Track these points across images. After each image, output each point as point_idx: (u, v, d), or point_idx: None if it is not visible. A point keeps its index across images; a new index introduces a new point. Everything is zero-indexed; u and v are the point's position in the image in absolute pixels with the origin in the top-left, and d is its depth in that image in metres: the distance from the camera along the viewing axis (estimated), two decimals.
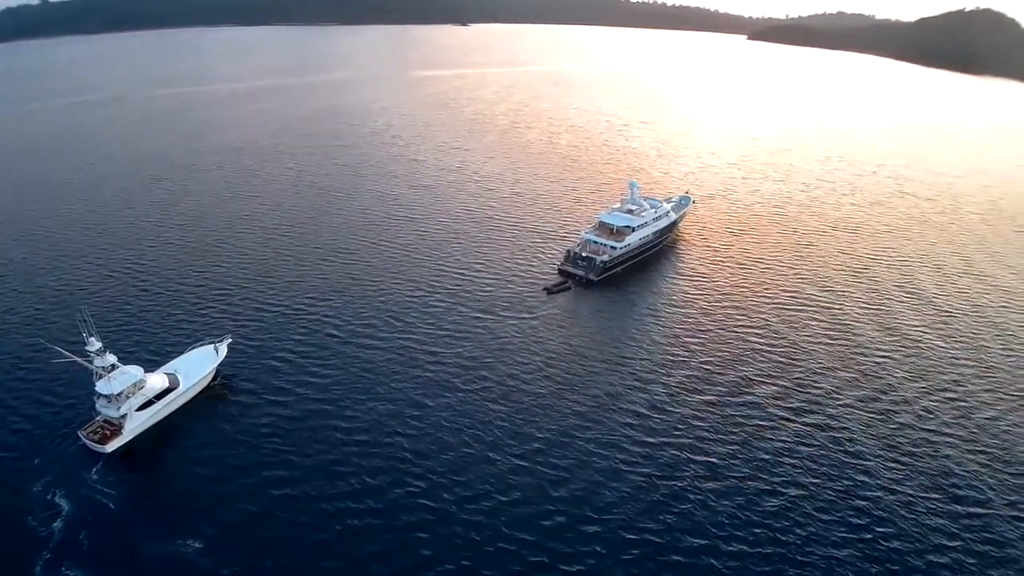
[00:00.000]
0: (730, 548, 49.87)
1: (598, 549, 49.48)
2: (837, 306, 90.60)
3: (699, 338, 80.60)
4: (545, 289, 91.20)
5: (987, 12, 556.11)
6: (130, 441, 60.08)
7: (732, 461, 59.23)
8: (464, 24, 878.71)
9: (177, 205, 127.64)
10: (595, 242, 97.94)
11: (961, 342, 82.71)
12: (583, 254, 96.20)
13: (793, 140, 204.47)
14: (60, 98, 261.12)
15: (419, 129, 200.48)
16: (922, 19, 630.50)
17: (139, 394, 60.53)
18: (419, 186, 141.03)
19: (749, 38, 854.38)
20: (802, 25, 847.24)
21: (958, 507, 54.92)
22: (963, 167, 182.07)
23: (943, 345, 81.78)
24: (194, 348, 69.97)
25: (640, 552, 49.40)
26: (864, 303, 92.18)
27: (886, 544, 50.86)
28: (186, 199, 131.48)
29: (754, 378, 72.34)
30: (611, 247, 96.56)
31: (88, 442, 58.62)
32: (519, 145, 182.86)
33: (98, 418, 60.62)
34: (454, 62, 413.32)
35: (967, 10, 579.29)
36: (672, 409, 66.19)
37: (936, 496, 56.02)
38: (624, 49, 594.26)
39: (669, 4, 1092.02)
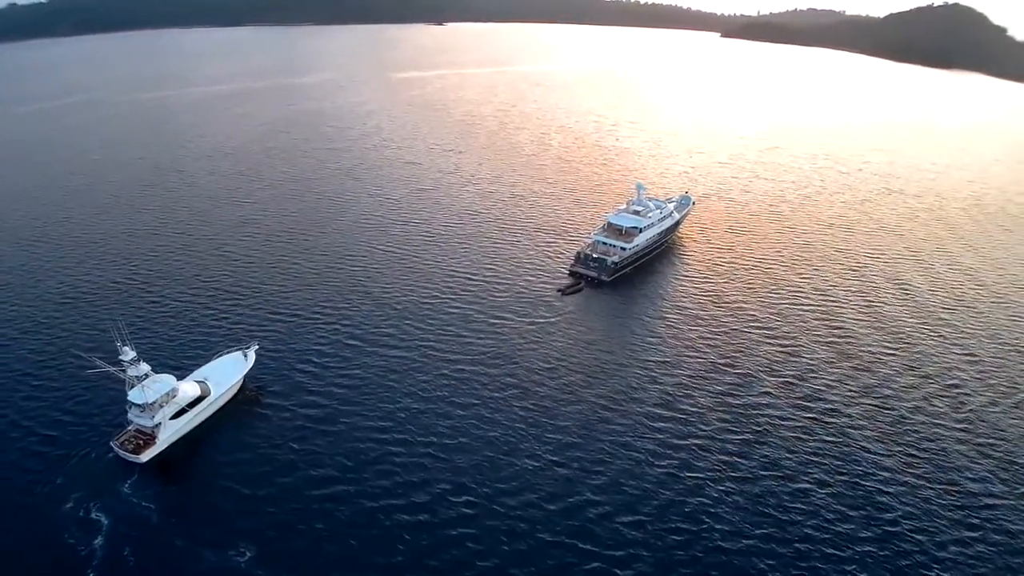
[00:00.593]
0: (749, 542, 51.66)
1: (628, 542, 51.13)
2: (839, 303, 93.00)
3: (709, 334, 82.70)
4: (559, 290, 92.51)
5: (955, 7, 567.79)
6: (164, 450, 59.76)
7: (747, 453, 61.46)
8: (440, 23, 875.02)
9: (173, 211, 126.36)
10: (605, 243, 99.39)
11: (951, 334, 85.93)
12: (594, 255, 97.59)
13: (778, 138, 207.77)
14: (40, 102, 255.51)
15: (410, 131, 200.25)
16: (891, 15, 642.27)
17: (172, 403, 60.28)
18: (419, 189, 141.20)
19: (722, 35, 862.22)
20: (775, 22, 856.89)
21: (958, 490, 57.77)
22: (944, 163, 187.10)
23: (934, 337, 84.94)
24: (222, 355, 69.70)
25: (665, 543, 51.12)
26: (862, 299, 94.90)
27: (894, 528, 53.32)
28: (182, 205, 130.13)
29: (763, 372, 74.78)
30: (621, 248, 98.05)
31: (121, 452, 58.22)
32: (511, 147, 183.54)
33: (130, 428, 60.23)
34: (434, 63, 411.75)
35: (935, 5, 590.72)
36: (690, 405, 68.09)
37: (937, 480, 58.82)
38: (600, 48, 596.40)
39: (642, 2, 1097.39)
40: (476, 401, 67.84)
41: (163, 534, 51.16)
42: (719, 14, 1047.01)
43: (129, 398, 59.00)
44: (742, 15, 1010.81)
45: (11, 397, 68.29)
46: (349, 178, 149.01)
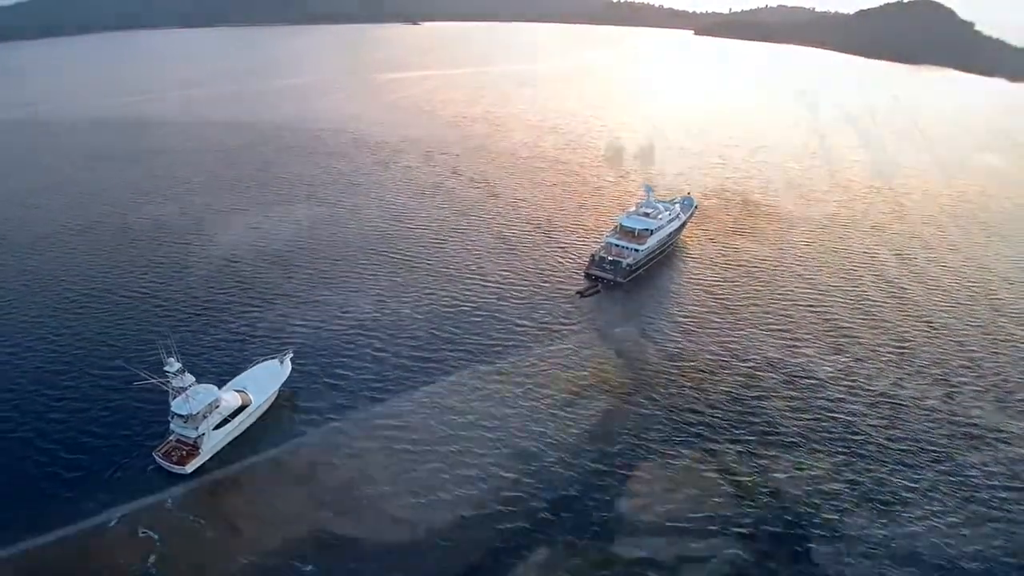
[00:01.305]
0: (768, 534, 53.74)
1: (658, 536, 53.34)
2: (841, 302, 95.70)
3: (722, 332, 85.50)
4: (578, 292, 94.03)
5: (924, 3, 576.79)
6: (207, 461, 59.67)
7: (764, 448, 63.95)
8: (415, 23, 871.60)
9: (175, 219, 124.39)
10: (618, 245, 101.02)
11: (944, 329, 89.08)
12: (608, 257, 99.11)
13: (766, 138, 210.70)
14: (23, 106, 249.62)
15: (403, 135, 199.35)
16: (861, 11, 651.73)
17: (215, 413, 60.20)
18: (420, 194, 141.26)
19: (696, 33, 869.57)
20: (746, 19, 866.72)
21: (972, 483, 60.29)
22: (928, 160, 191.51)
23: (927, 331, 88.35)
24: (257, 363, 69.69)
25: (692, 537, 53.23)
26: (861, 296, 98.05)
27: (915, 524, 55.30)
28: (182, 213, 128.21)
29: (775, 367, 77.50)
30: (634, 250, 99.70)
31: (165, 463, 57.93)
32: (507, 149, 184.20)
33: (171, 438, 59.94)
34: (415, 63, 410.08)
35: (904, 1, 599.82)
36: (708, 403, 70.35)
37: (948, 472, 61.45)
38: (576, 46, 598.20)
39: (615, 1, 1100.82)
40: (510, 406, 68.69)
41: (218, 549, 50.99)
42: (691, 12, 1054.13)
43: (172, 409, 58.86)
44: (714, 12, 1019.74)
45: (29, 421, 66.21)
46: (350, 183, 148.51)
